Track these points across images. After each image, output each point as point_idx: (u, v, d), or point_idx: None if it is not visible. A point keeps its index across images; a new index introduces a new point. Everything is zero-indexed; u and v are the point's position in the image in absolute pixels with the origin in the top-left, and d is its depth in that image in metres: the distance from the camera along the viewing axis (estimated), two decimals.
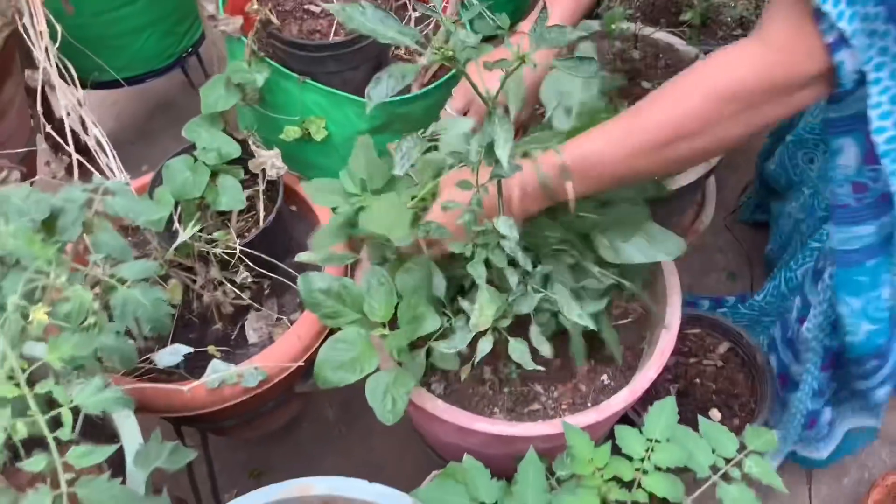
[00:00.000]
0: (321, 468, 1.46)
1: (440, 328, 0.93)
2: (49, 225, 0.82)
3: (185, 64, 1.86)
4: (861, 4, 0.70)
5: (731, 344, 1.39)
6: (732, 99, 0.77)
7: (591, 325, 0.92)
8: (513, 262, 0.89)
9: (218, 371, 1.05)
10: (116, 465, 0.89)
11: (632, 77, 1.40)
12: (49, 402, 0.72)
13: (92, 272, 0.85)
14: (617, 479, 0.82)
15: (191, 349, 1.08)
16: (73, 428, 0.68)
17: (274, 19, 1.20)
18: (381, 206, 0.98)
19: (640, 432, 0.84)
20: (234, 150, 1.15)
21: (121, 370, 0.98)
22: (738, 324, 1.38)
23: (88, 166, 1.13)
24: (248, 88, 1.18)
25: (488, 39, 1.02)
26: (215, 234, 1.12)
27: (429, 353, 0.95)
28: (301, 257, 1.07)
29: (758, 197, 1.68)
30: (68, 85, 1.13)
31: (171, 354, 1.05)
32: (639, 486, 0.81)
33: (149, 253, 1.18)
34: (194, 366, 1.10)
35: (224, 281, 1.15)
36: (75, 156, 1.10)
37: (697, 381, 1.36)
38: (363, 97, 1.11)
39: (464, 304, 0.93)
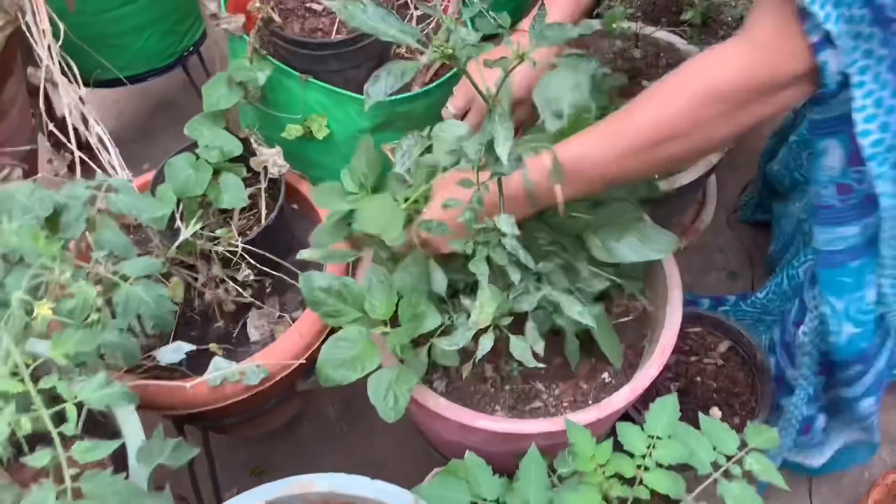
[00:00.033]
0: (322, 466, 1.46)
1: (441, 325, 0.94)
2: (52, 222, 0.82)
3: (187, 63, 1.86)
4: (846, 6, 0.70)
5: (731, 343, 1.39)
6: (719, 98, 0.77)
7: (592, 323, 0.92)
8: (513, 260, 0.89)
9: (220, 368, 1.06)
10: (119, 462, 0.89)
11: (633, 76, 1.41)
12: (52, 399, 0.72)
13: (95, 269, 0.85)
14: (618, 476, 0.82)
15: (193, 347, 1.08)
16: (77, 424, 0.68)
17: (276, 17, 1.20)
18: (375, 207, 0.98)
19: (642, 429, 0.84)
20: (237, 148, 1.15)
21: (124, 367, 0.98)
22: (739, 322, 1.38)
23: (91, 164, 1.14)
24: (250, 87, 1.18)
25: (489, 38, 1.03)
26: (217, 232, 1.12)
27: (430, 351, 0.95)
28: (303, 255, 1.07)
29: (759, 197, 1.69)
30: (70, 83, 1.13)
31: (174, 352, 1.05)
32: (640, 482, 0.81)
33: (151, 251, 1.18)
34: (196, 364, 1.10)
35: (226, 279, 1.15)
36: (77, 153, 1.10)
37: (698, 379, 1.36)
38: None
39: (465, 301, 0.93)
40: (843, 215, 0.90)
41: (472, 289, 0.98)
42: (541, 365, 0.92)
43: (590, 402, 1.04)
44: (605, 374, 1.07)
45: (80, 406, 0.70)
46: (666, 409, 0.85)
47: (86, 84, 1.20)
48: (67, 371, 0.78)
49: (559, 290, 0.94)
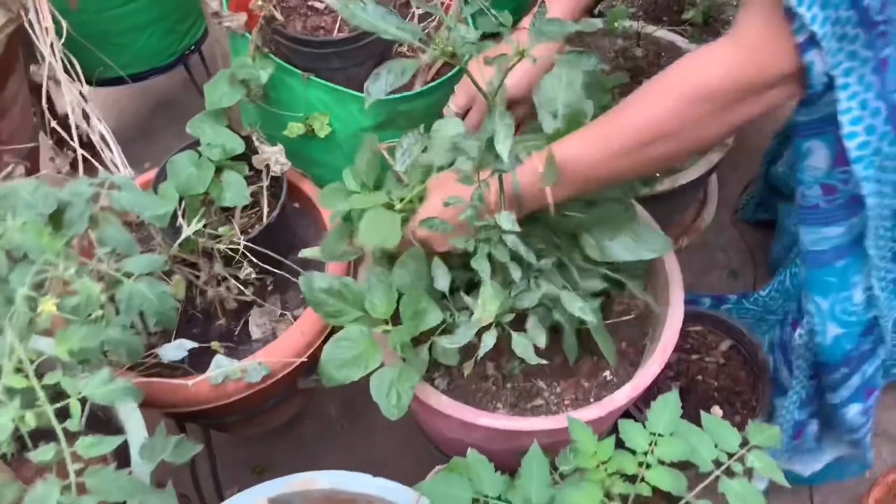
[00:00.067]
0: (323, 465, 1.45)
1: (443, 323, 0.94)
2: (56, 219, 0.82)
3: (188, 62, 1.86)
4: (833, 8, 0.71)
5: (732, 341, 1.40)
6: (707, 98, 0.78)
7: (593, 319, 0.92)
8: (514, 258, 0.89)
9: (222, 366, 1.06)
10: (121, 459, 0.90)
11: (634, 75, 1.41)
12: (55, 396, 0.72)
13: (98, 266, 0.85)
14: (620, 473, 0.82)
15: (195, 344, 1.09)
16: (81, 419, 0.68)
17: (278, 15, 1.20)
18: (375, 218, 0.98)
19: (644, 427, 0.84)
20: (239, 146, 1.15)
21: (127, 364, 0.98)
22: (741, 320, 1.38)
23: (93, 161, 1.14)
24: (253, 85, 1.19)
25: (491, 37, 1.03)
26: (219, 230, 1.12)
27: (432, 349, 0.96)
28: (305, 253, 1.08)
29: (760, 196, 1.69)
30: (73, 81, 1.13)
31: (176, 349, 1.06)
32: (642, 479, 0.81)
33: (153, 249, 1.18)
34: (198, 362, 1.11)
35: (228, 277, 1.15)
36: (80, 151, 1.10)
37: (699, 378, 1.36)
38: None
39: (467, 299, 0.93)
40: (828, 216, 0.91)
41: (469, 287, 0.98)
42: (543, 361, 0.92)
43: (591, 399, 1.04)
44: (607, 373, 1.07)
45: (83, 402, 0.70)
46: (668, 406, 0.85)
47: (88, 82, 1.20)
48: (70, 368, 0.78)
49: (558, 287, 0.94)
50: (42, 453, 0.66)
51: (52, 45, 1.10)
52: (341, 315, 0.97)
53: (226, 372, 1.05)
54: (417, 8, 1.33)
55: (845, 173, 0.83)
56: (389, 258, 1.01)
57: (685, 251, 1.68)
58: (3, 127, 1.41)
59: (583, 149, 0.85)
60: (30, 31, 1.15)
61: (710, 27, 1.61)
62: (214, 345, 1.13)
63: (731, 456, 0.84)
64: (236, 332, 1.18)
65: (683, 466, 0.83)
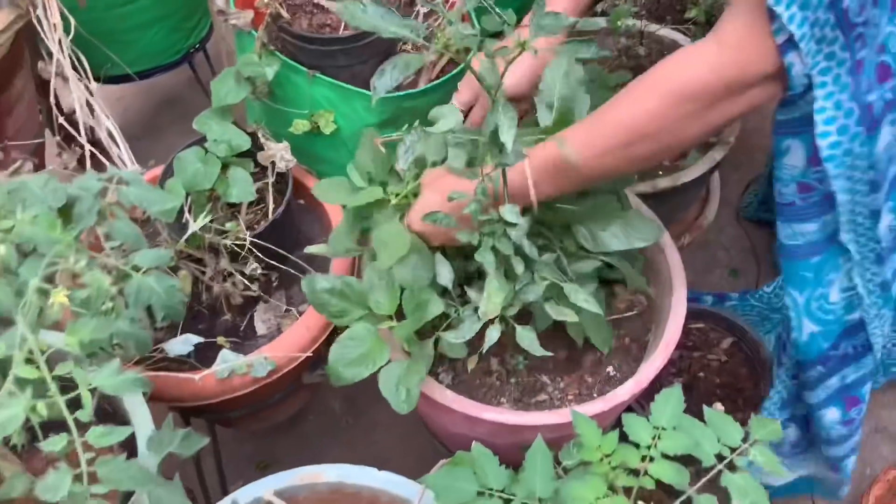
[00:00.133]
0: (326, 461, 1.44)
1: (449, 319, 0.95)
2: (65, 213, 0.83)
3: (193, 60, 1.87)
4: (811, 10, 0.71)
5: (735, 338, 1.41)
6: (689, 98, 0.78)
7: (598, 310, 0.93)
8: (518, 251, 0.90)
9: (228, 361, 1.07)
10: (128, 453, 0.90)
11: (637, 73, 1.41)
12: (64, 389, 0.73)
13: (106, 260, 0.86)
14: (624, 466, 0.83)
15: (201, 339, 1.09)
16: (91, 410, 0.69)
17: (284, 13, 1.21)
18: (386, 235, 0.99)
19: (647, 420, 0.85)
20: (245, 143, 1.16)
21: (135, 356, 0.99)
22: (745, 318, 1.39)
23: (100, 157, 1.15)
24: (258, 82, 1.19)
25: (495, 36, 1.04)
26: (226, 226, 1.13)
27: (437, 344, 0.96)
28: (310, 250, 1.08)
29: (763, 195, 1.69)
30: (80, 78, 1.14)
31: (183, 344, 1.06)
32: (645, 473, 0.82)
33: (159, 244, 1.19)
34: (204, 356, 1.11)
35: (233, 272, 1.16)
36: (87, 147, 1.11)
37: (701, 375, 1.37)
38: None
39: (471, 293, 0.94)
40: (803, 212, 0.91)
41: (469, 281, 0.99)
42: (548, 353, 0.93)
43: (594, 395, 1.05)
44: (610, 368, 1.07)
45: (92, 394, 0.71)
46: (671, 400, 0.86)
47: (95, 79, 1.21)
48: (79, 361, 0.79)
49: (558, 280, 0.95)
50: (53, 443, 0.67)
51: (59, 42, 1.11)
52: (345, 314, 0.97)
53: (232, 366, 1.06)
54: (422, 6, 1.34)
55: (819, 172, 0.84)
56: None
57: (687, 249, 1.69)
58: (10, 124, 1.42)
59: (569, 147, 0.86)
60: (38, 27, 1.16)
61: (712, 26, 1.61)
62: (220, 340, 1.14)
63: (733, 451, 0.85)
64: (242, 328, 1.19)
65: (686, 462, 0.84)
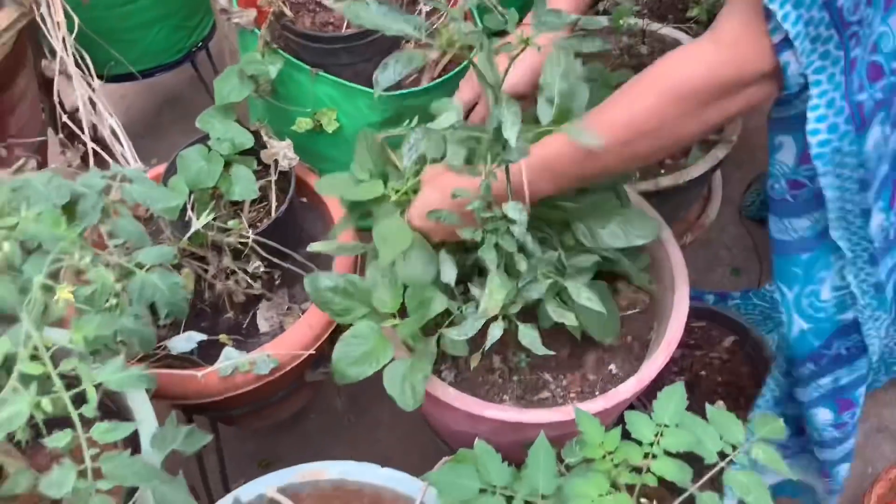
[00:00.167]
0: (329, 459, 1.46)
1: (451, 316, 0.95)
2: (69, 210, 0.83)
3: (195, 58, 1.87)
4: (806, 8, 0.71)
5: (736, 337, 1.41)
6: (686, 96, 0.79)
7: (601, 309, 0.93)
8: (521, 248, 0.90)
9: (231, 358, 1.07)
10: (132, 450, 0.90)
11: (638, 72, 1.42)
12: (69, 386, 0.73)
13: (110, 257, 0.86)
14: (626, 463, 0.83)
15: (204, 336, 1.10)
16: (95, 406, 0.69)
17: (287, 11, 1.21)
18: (387, 231, 1.00)
19: (650, 418, 0.85)
20: (248, 141, 1.16)
21: (139, 354, 0.99)
22: (748, 316, 1.39)
23: (104, 155, 1.15)
24: (261, 80, 1.20)
25: (498, 35, 1.04)
26: (229, 224, 1.13)
27: (439, 341, 0.96)
28: (313, 247, 1.08)
29: (765, 194, 1.69)
30: (84, 75, 1.14)
31: (186, 341, 1.07)
32: (648, 470, 0.82)
33: (162, 242, 1.19)
34: (207, 354, 1.12)
35: (236, 270, 1.16)
36: (91, 145, 1.11)
37: (703, 373, 1.37)
38: None
39: (474, 290, 0.94)
40: (794, 208, 0.91)
41: (467, 277, 0.99)
42: (550, 352, 0.93)
43: (597, 392, 1.05)
44: (613, 366, 1.08)
45: (97, 389, 0.71)
46: (673, 397, 0.86)
47: (98, 78, 1.21)
48: (83, 358, 0.79)
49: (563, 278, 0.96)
50: (58, 439, 0.67)
51: (63, 40, 1.12)
52: (349, 313, 0.98)
53: (235, 364, 1.06)
54: (424, 4, 1.34)
55: (810, 170, 0.84)
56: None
57: (689, 248, 1.69)
58: (12, 122, 1.42)
59: (567, 146, 0.86)
60: (42, 25, 1.16)
61: None
62: (223, 338, 1.14)
63: (735, 448, 0.85)
64: (244, 326, 1.19)
65: (688, 461, 0.84)
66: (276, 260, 1.18)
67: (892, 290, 0.99)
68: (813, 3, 0.71)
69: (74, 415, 0.67)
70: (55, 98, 1.20)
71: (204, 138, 1.18)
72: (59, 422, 0.71)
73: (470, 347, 1.00)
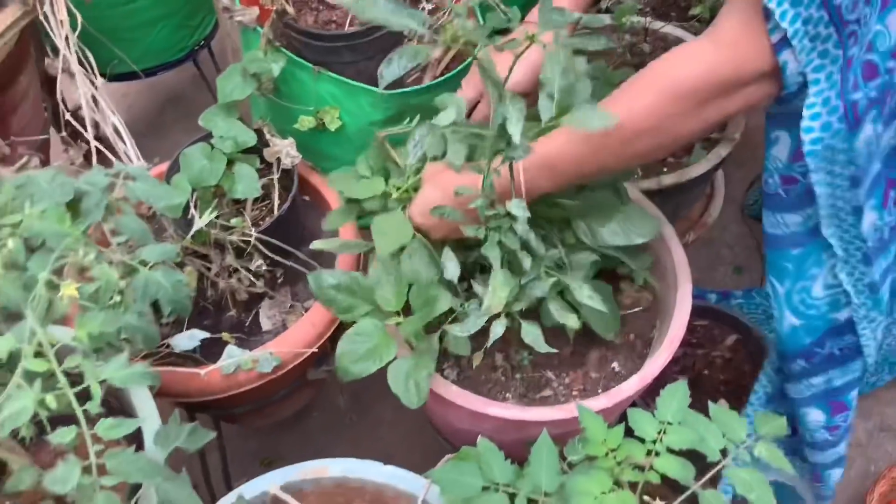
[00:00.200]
0: (330, 457, 1.47)
1: (454, 313, 0.95)
2: (72, 207, 0.84)
3: (197, 57, 1.87)
4: (804, 7, 0.71)
5: (739, 336, 1.41)
6: (685, 95, 0.79)
7: (602, 308, 0.93)
8: (524, 246, 0.90)
9: (233, 356, 1.07)
10: (135, 447, 0.90)
11: None
12: (73, 383, 0.73)
13: (113, 255, 0.86)
14: (629, 461, 0.83)
15: (207, 334, 1.10)
16: (99, 402, 0.69)
17: (290, 9, 1.21)
18: (385, 223, 1.00)
19: (653, 415, 0.85)
20: (251, 139, 1.16)
21: (142, 351, 0.99)
22: (751, 315, 1.39)
23: (107, 153, 1.15)
24: (264, 78, 1.20)
25: (500, 33, 1.04)
26: (231, 222, 1.13)
27: (442, 338, 0.97)
28: (316, 245, 1.09)
29: None
30: (87, 73, 1.14)
31: (188, 339, 1.07)
32: (651, 467, 0.82)
33: (165, 240, 1.19)
34: (209, 352, 1.12)
35: (239, 268, 1.16)
36: (94, 143, 1.11)
37: (706, 372, 1.37)
38: (377, 87, 1.14)
39: (477, 288, 0.94)
40: (787, 203, 0.92)
41: (471, 275, 0.99)
42: (552, 349, 0.93)
43: (599, 390, 1.05)
44: (615, 364, 1.08)
45: (101, 386, 0.71)
46: (676, 395, 0.86)
47: (102, 76, 1.21)
48: (86, 355, 0.79)
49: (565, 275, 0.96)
50: (62, 434, 0.67)
51: (66, 38, 1.12)
52: (352, 310, 0.98)
53: (237, 362, 1.06)
54: (428, 2, 1.34)
55: (803, 167, 0.84)
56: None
57: (691, 247, 1.69)
58: (15, 121, 1.42)
59: (567, 144, 0.87)
60: (45, 23, 1.16)
61: None
62: (225, 336, 1.15)
63: (738, 446, 0.85)
64: (247, 324, 1.19)
65: (690, 460, 0.84)
66: (278, 258, 1.18)
67: (888, 291, 0.98)
68: (811, 1, 0.71)
69: (79, 411, 0.67)
70: (58, 96, 1.20)
71: (206, 136, 1.18)
72: (62, 420, 0.71)
73: (472, 346, 1.00)
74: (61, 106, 1.19)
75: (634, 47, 1.46)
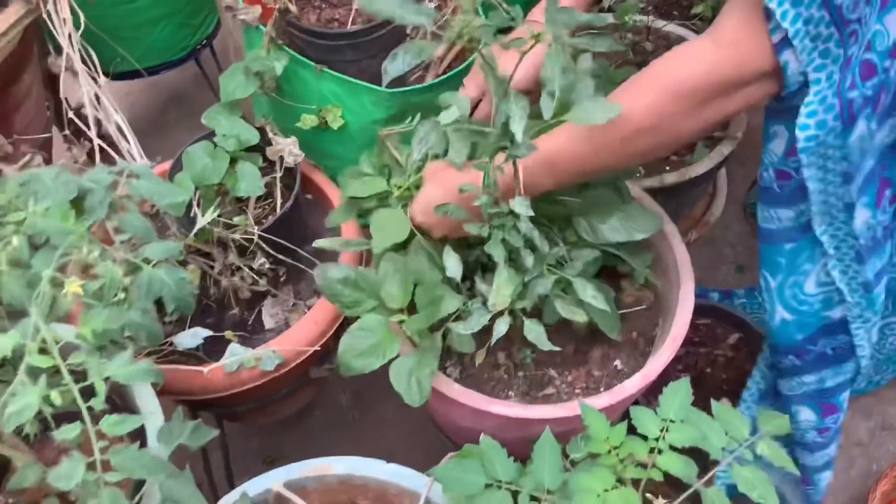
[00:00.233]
0: (333, 455, 1.47)
1: (457, 311, 0.95)
2: (76, 205, 0.84)
3: (199, 56, 1.88)
4: (805, 7, 0.72)
5: (741, 335, 1.41)
6: (685, 94, 0.79)
7: (605, 307, 0.93)
8: (527, 244, 0.90)
9: (236, 354, 1.07)
10: (138, 445, 0.91)
11: None
12: (77, 380, 0.73)
13: (117, 253, 0.86)
14: (632, 458, 0.83)
15: (210, 332, 1.10)
16: (103, 399, 0.69)
17: (293, 8, 1.21)
18: (383, 219, 1.00)
19: (655, 413, 0.85)
20: (253, 137, 1.17)
21: (146, 349, 0.99)
22: (753, 314, 1.39)
23: (110, 151, 1.15)
24: (267, 76, 1.20)
25: (502, 31, 1.04)
26: (234, 220, 1.14)
27: (445, 336, 0.97)
28: (319, 244, 1.09)
29: None
30: (90, 71, 1.15)
31: (191, 337, 1.07)
32: (653, 465, 0.82)
33: (168, 238, 1.19)
34: (212, 351, 1.12)
35: (242, 266, 1.16)
36: (97, 141, 1.11)
37: (708, 370, 1.37)
38: (380, 86, 1.14)
39: (481, 286, 0.94)
40: (780, 198, 0.92)
41: (473, 274, 0.99)
42: (555, 347, 0.93)
43: (602, 388, 1.05)
44: (618, 362, 1.08)
45: (105, 383, 0.71)
46: (679, 392, 0.86)
47: (105, 74, 1.21)
48: (90, 353, 0.79)
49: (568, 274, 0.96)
50: (67, 431, 0.67)
51: (69, 37, 1.12)
52: (357, 305, 0.98)
53: (240, 360, 1.06)
54: (431, 1, 1.35)
55: (797, 162, 0.85)
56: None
57: (694, 245, 1.69)
58: (18, 119, 1.43)
59: (568, 143, 0.87)
60: (48, 21, 1.16)
61: None
62: (228, 334, 1.15)
63: (741, 444, 0.85)
64: (250, 322, 1.20)
65: (693, 457, 0.84)
66: (281, 256, 1.18)
67: (884, 292, 0.98)
68: (812, 1, 0.71)
69: (83, 407, 0.67)
70: (61, 95, 1.20)
71: (209, 135, 1.18)
72: (65, 417, 0.72)
73: (475, 344, 1.00)
74: (64, 104, 1.19)
75: (637, 46, 1.46)
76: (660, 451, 0.83)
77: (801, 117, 0.80)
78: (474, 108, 1.13)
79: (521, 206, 0.84)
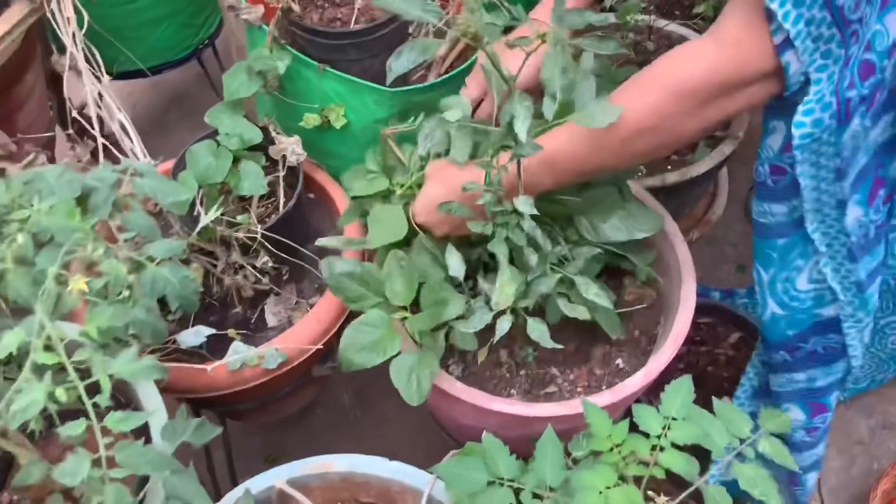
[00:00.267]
0: (335, 454, 1.48)
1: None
2: (80, 204, 0.84)
3: (201, 56, 1.88)
4: (807, 8, 0.72)
5: (742, 333, 1.41)
6: (686, 95, 0.79)
7: (608, 304, 0.94)
8: (531, 242, 0.91)
9: (239, 352, 1.07)
10: (142, 442, 0.91)
11: None
12: (81, 377, 0.74)
13: (120, 251, 0.87)
14: (634, 456, 0.83)
15: (213, 330, 1.10)
16: (108, 396, 0.69)
17: (295, 7, 1.22)
18: (381, 216, 1.00)
19: (657, 411, 0.85)
20: (256, 136, 1.17)
21: (149, 347, 1.00)
22: (754, 314, 1.39)
23: (113, 150, 1.16)
24: (269, 76, 1.20)
25: (504, 31, 1.05)
26: (237, 219, 1.14)
27: (448, 335, 0.97)
28: (321, 242, 1.09)
29: None
30: (93, 71, 1.15)
31: (195, 335, 1.07)
32: (655, 462, 0.83)
33: (171, 237, 1.20)
34: (215, 349, 1.13)
35: (245, 265, 1.17)
36: (101, 140, 1.12)
37: (709, 369, 1.37)
38: (383, 85, 1.14)
39: (484, 285, 0.95)
40: (774, 193, 0.92)
41: (475, 272, 1.00)
42: (558, 345, 0.94)
43: (604, 387, 1.05)
44: (620, 360, 1.08)
45: (110, 380, 0.72)
46: (681, 390, 0.86)
47: (108, 74, 1.22)
48: (94, 350, 0.80)
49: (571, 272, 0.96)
50: (72, 427, 0.68)
51: (73, 36, 1.12)
52: (362, 300, 0.98)
53: (243, 358, 1.07)
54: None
55: (792, 158, 0.85)
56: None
57: (695, 245, 1.69)
58: (21, 118, 1.43)
59: (568, 142, 0.87)
60: (52, 20, 1.17)
61: None
62: (231, 332, 1.15)
63: (742, 442, 0.86)
64: (252, 320, 1.20)
65: (695, 455, 0.85)
66: (284, 255, 1.18)
67: (876, 292, 0.99)
68: (814, 2, 0.72)
69: (88, 404, 0.68)
70: (64, 94, 1.20)
71: (212, 134, 1.18)
72: (69, 415, 0.72)
73: (477, 342, 1.00)
74: (68, 103, 1.19)
75: (638, 46, 1.47)
76: (662, 449, 0.83)
77: (797, 115, 0.80)
78: (476, 107, 1.13)
79: (524, 204, 0.85)
